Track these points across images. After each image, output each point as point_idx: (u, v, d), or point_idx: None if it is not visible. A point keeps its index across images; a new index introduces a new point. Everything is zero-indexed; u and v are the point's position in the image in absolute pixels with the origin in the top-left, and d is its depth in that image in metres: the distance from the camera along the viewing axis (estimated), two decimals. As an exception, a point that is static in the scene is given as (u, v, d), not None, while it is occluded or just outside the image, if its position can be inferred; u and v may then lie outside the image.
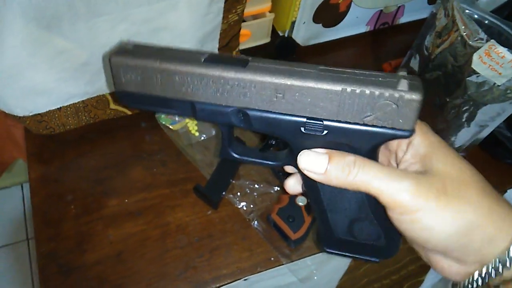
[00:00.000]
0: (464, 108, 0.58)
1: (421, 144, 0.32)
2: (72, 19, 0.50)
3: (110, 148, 0.65)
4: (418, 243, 0.31)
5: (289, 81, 0.31)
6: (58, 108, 0.59)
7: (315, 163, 0.31)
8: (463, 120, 0.59)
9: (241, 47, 0.75)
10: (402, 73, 0.30)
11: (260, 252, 0.58)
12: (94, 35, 0.53)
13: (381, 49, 0.87)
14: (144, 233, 0.58)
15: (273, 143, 0.39)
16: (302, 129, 0.32)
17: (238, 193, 0.62)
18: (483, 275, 0.30)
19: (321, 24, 0.77)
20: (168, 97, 0.34)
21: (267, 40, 0.81)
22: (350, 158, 0.31)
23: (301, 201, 0.58)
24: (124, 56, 0.34)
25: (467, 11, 0.56)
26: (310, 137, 0.33)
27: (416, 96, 0.29)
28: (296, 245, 0.57)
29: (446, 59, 0.56)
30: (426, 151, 0.32)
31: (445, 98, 0.59)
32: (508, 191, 0.70)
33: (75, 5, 0.49)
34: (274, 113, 0.32)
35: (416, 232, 0.30)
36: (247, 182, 0.63)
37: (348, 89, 0.30)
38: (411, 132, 0.31)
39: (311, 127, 0.32)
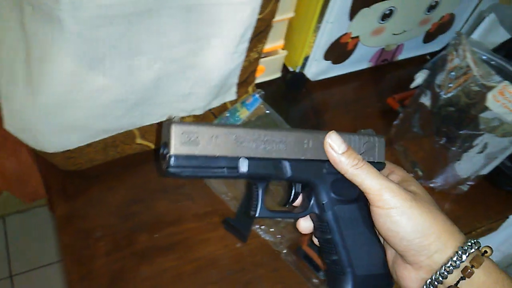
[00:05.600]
0: (476, 142, 0.62)
1: (398, 174, 0.44)
2: (114, 58, 0.51)
3: (135, 183, 0.65)
4: (389, 237, 0.39)
5: (313, 133, 0.41)
6: (88, 144, 0.59)
7: (339, 144, 0.40)
8: (475, 152, 0.63)
9: (255, 81, 0.78)
10: (364, 130, 0.45)
11: (292, 284, 0.59)
12: (131, 73, 0.54)
13: (381, 83, 0.92)
14: (177, 269, 0.57)
15: (299, 191, 0.45)
16: (324, 170, 0.42)
17: (263, 226, 0.63)
18: (433, 280, 0.37)
19: (330, 61, 0.81)
20: (222, 156, 0.37)
21: (278, 75, 0.84)
22: (360, 157, 0.41)
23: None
24: (183, 123, 0.36)
25: (477, 53, 0.61)
26: (327, 176, 0.42)
27: (383, 138, 0.45)
28: (326, 275, 0.59)
29: (459, 97, 0.61)
30: (401, 179, 0.43)
31: (457, 132, 0.63)
32: (510, 216, 0.75)
33: (119, 45, 0.50)
34: (305, 160, 0.40)
35: (388, 224, 0.38)
36: (273, 214, 0.64)
37: (353, 136, 0.43)
38: (384, 164, 0.44)
39: (331, 166, 0.41)
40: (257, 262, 0.60)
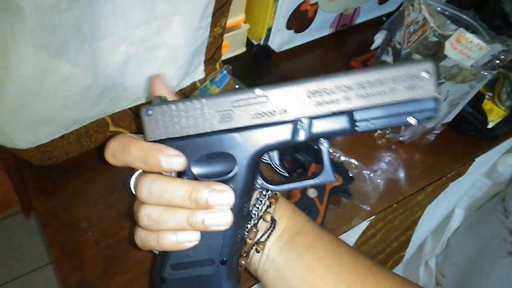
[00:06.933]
0: (438, 90, 0.65)
1: None
2: (78, 44, 0.50)
3: (113, 171, 0.64)
4: None
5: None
6: (61, 137, 0.58)
7: None
8: (438, 101, 0.67)
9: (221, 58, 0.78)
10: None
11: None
12: (97, 58, 0.53)
13: (344, 48, 0.94)
14: (169, 248, 0.58)
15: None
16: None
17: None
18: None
19: (293, 30, 0.82)
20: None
21: (243, 49, 0.85)
22: None
23: (312, 193, 0.62)
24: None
25: (431, 5, 0.64)
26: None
27: None
28: (314, 234, 0.61)
29: (419, 49, 0.64)
30: None
31: (420, 84, 0.66)
32: (476, 159, 0.80)
33: (82, 29, 0.49)
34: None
35: None
36: (256, 184, 0.65)
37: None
38: None
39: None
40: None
